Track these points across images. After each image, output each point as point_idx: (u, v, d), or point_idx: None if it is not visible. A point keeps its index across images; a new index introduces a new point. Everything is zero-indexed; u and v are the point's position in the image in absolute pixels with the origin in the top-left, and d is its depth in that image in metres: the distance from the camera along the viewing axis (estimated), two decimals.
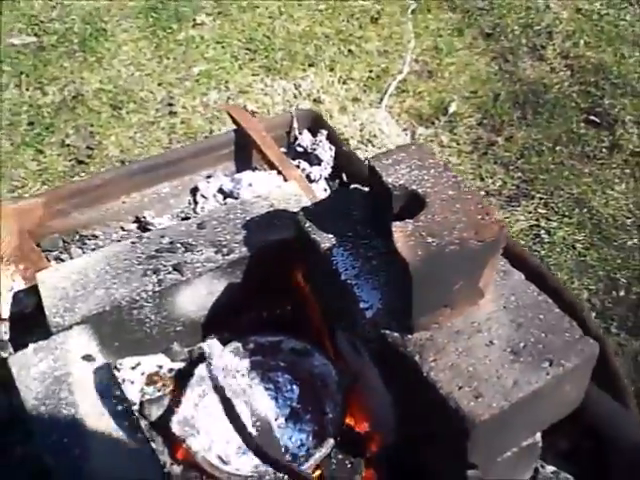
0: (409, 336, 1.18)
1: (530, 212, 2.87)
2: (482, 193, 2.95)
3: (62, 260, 1.89)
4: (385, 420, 1.38)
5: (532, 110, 3.29)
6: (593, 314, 2.48)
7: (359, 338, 1.30)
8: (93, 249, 1.92)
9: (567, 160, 3.06)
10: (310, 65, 3.63)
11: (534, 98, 3.35)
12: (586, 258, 2.68)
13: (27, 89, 3.63)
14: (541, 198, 2.91)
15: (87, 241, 1.94)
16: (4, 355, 1.70)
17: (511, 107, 3.32)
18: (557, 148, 3.10)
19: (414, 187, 1.20)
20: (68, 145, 3.36)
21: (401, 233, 1.10)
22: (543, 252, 2.72)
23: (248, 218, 1.60)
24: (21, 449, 1.55)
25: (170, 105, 3.53)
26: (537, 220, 2.85)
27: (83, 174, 3.22)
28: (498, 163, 3.10)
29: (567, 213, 2.85)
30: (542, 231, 2.79)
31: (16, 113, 3.52)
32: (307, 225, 1.37)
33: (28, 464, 1.50)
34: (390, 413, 1.34)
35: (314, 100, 3.41)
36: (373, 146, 3.16)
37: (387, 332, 1.20)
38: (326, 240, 1.34)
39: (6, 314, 1.74)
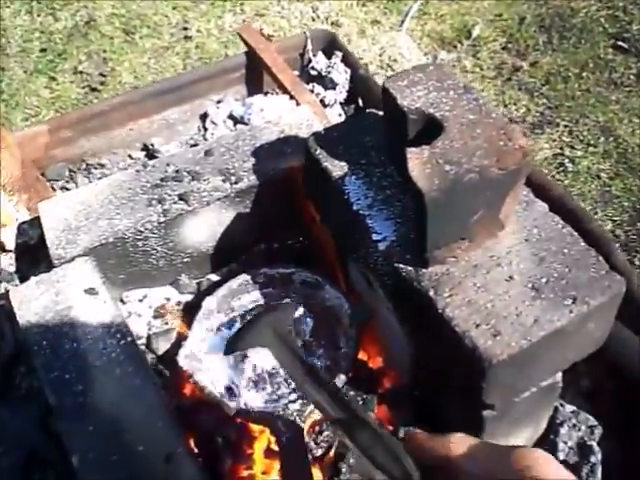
0: (424, 270, 1.11)
1: (554, 140, 2.78)
2: (505, 120, 2.85)
3: (68, 189, 1.83)
4: (399, 357, 1.33)
5: (558, 35, 3.16)
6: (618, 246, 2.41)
7: (372, 271, 1.23)
8: (99, 178, 1.86)
9: (593, 87, 2.95)
10: None
11: (560, 22, 3.21)
12: (611, 188, 2.60)
13: (39, 15, 3.56)
14: (566, 126, 2.82)
15: (93, 170, 1.88)
16: (10, 287, 1.66)
17: (537, 31, 3.20)
18: (583, 74, 2.99)
19: (431, 110, 1.11)
20: (81, 72, 3.30)
21: (417, 160, 1.03)
22: (567, 181, 2.65)
23: (258, 145, 1.52)
24: (26, 383, 1.52)
25: (185, 29, 3.44)
26: (561, 149, 2.77)
27: (96, 101, 3.16)
28: (522, 89, 3.00)
29: (592, 142, 2.76)
30: (566, 160, 2.72)
31: (28, 40, 3.45)
32: (317, 152, 1.29)
33: (33, 398, 1.47)
34: (405, 350, 1.28)
35: (332, 23, 3.31)
36: (393, 71, 3.05)
37: (400, 266, 1.13)
38: (338, 168, 1.27)
39: (11, 245, 1.70)
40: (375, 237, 1.17)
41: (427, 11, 3.36)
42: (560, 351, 1.11)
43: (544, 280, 1.09)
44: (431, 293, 1.09)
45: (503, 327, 1.04)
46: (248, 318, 1.42)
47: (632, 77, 2.97)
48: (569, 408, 1.39)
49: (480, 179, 1.01)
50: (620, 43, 3.10)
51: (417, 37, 3.25)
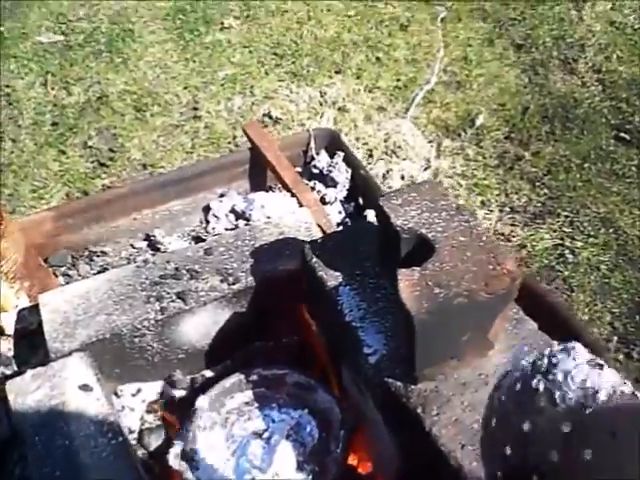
0: (412, 386, 1.13)
1: (555, 230, 2.81)
2: (507, 209, 2.89)
3: (70, 276, 1.86)
4: (389, 464, 1.33)
5: (561, 125, 3.22)
6: (615, 339, 2.42)
7: (363, 381, 1.25)
8: (102, 266, 1.89)
9: (595, 178, 2.99)
10: (337, 72, 3.58)
11: (564, 112, 3.27)
12: (610, 280, 2.62)
13: (52, 88, 3.63)
14: (567, 216, 2.85)
15: (95, 258, 1.91)
16: (7, 372, 1.67)
17: (540, 121, 3.25)
18: (585, 165, 3.03)
19: (424, 231, 1.14)
20: (90, 147, 3.35)
21: (407, 282, 1.05)
22: (567, 272, 2.66)
23: (257, 245, 1.55)
24: (19, 470, 1.52)
25: (195, 109, 3.50)
26: (562, 239, 2.79)
27: (104, 176, 3.21)
28: (524, 179, 3.04)
29: (593, 233, 2.78)
30: (566, 250, 2.73)
31: (40, 112, 3.52)
32: (313, 261, 1.33)
33: None
34: (394, 458, 1.29)
35: (339, 109, 3.37)
36: (397, 157, 3.10)
37: (390, 380, 1.15)
38: (332, 278, 1.30)
39: (10, 330, 1.72)
40: (366, 350, 1.19)
41: (432, 99, 3.43)
42: None
43: None
44: (419, 410, 1.10)
45: None
46: None
47: (634, 168, 3.01)
48: None
49: (469, 302, 1.04)
50: (622, 134, 3.14)
51: (422, 124, 3.31)
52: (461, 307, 1.04)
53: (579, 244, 2.74)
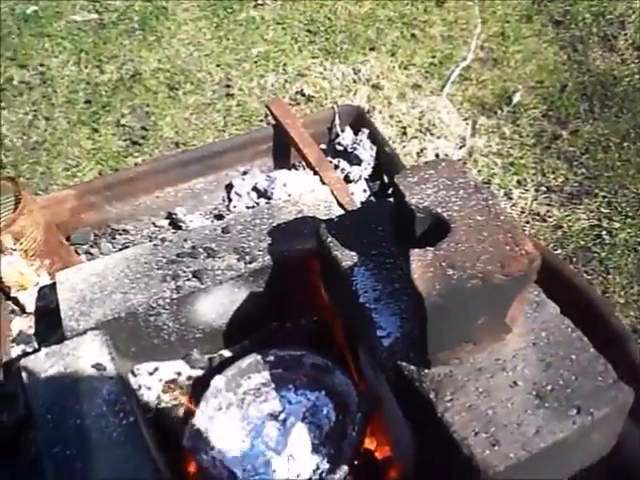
0: (426, 371, 1.09)
1: (592, 211, 2.73)
2: (543, 189, 2.82)
3: (92, 254, 1.85)
4: (405, 448, 1.30)
5: (600, 103, 3.12)
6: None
7: (377, 364, 1.21)
8: (124, 244, 1.88)
9: (634, 157, 2.89)
10: (371, 49, 3.52)
11: (603, 90, 3.17)
12: None
13: (86, 67, 3.62)
14: (604, 197, 2.77)
15: (118, 236, 1.90)
16: (29, 349, 1.68)
17: (578, 99, 3.16)
18: (624, 144, 2.94)
19: (439, 210, 1.10)
20: (123, 125, 3.34)
21: (419, 262, 1.01)
22: (603, 254, 2.59)
23: (275, 224, 1.52)
24: (36, 448, 1.52)
25: (227, 87, 3.47)
26: (599, 220, 2.71)
27: (137, 154, 3.20)
28: (561, 158, 2.96)
29: (631, 214, 2.70)
30: (604, 232, 2.66)
31: (74, 91, 3.52)
32: (329, 240, 1.29)
33: (38, 466, 1.47)
34: (410, 442, 1.25)
35: (373, 86, 3.31)
36: (432, 135, 3.05)
37: (403, 364, 1.11)
38: (348, 258, 1.26)
39: (31, 308, 1.72)
40: (380, 333, 1.16)
41: (468, 76, 3.35)
42: (562, 461, 1.08)
43: (549, 388, 1.06)
44: (432, 395, 1.07)
45: (503, 436, 1.01)
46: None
47: None
48: None
49: (483, 285, 1.00)
50: None
51: (457, 102, 3.24)
52: (476, 289, 1.00)
53: (617, 225, 2.67)
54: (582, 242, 2.64)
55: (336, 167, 1.95)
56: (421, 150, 2.96)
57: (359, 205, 1.78)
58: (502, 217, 1.08)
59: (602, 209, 2.74)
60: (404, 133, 3.05)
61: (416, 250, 1.03)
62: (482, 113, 3.20)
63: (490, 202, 1.11)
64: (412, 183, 1.14)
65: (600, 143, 2.99)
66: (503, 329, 1.10)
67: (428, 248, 1.04)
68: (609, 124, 3.05)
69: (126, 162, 3.15)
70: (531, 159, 2.98)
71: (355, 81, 3.37)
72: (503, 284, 1.01)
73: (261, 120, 3.22)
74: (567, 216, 2.72)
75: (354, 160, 1.96)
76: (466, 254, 1.02)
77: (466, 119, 3.16)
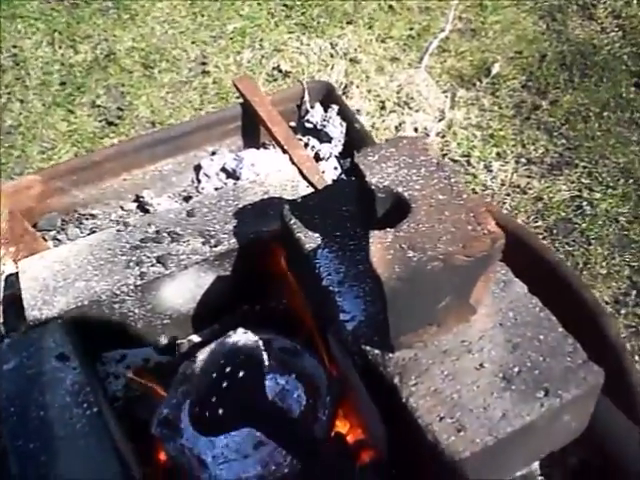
0: (390, 355, 1.07)
1: (573, 182, 2.72)
2: (523, 160, 2.80)
3: (59, 240, 1.82)
4: (377, 431, 1.28)
5: (580, 73, 3.10)
6: (633, 294, 2.34)
7: (344, 348, 1.19)
8: (91, 229, 1.84)
9: (614, 127, 2.88)
10: (348, 23, 3.48)
11: (582, 60, 3.15)
12: (629, 232, 2.54)
13: (60, 47, 3.57)
14: (585, 167, 2.76)
15: (85, 221, 1.86)
16: None
17: (558, 69, 3.13)
18: (604, 114, 2.92)
19: (400, 189, 1.07)
20: (99, 106, 3.31)
21: (379, 245, 0.98)
22: (584, 225, 2.58)
23: (240, 206, 1.49)
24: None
25: (203, 64, 3.43)
26: (579, 190, 2.70)
27: (113, 135, 3.17)
28: (541, 129, 2.94)
29: (612, 184, 2.69)
30: (584, 202, 2.65)
31: (48, 72, 3.47)
32: (292, 222, 1.26)
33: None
34: (380, 427, 1.23)
35: (350, 60, 3.27)
36: (410, 109, 3.02)
37: (367, 348, 1.09)
38: (311, 239, 1.23)
39: None
40: (343, 317, 1.13)
41: (447, 48, 3.31)
42: (531, 444, 1.06)
43: (516, 369, 1.04)
44: (396, 380, 1.04)
45: (469, 421, 0.99)
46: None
47: None
48: None
49: (444, 267, 0.97)
50: None
51: (436, 74, 3.21)
52: (437, 271, 0.97)
53: (597, 195, 2.66)
54: (563, 213, 2.63)
55: (306, 145, 1.91)
56: (400, 124, 2.93)
57: (330, 183, 1.75)
58: (464, 195, 1.05)
59: (583, 180, 2.73)
60: (382, 107, 3.02)
61: (376, 232, 1.00)
62: (461, 85, 3.18)
63: (452, 180, 1.08)
64: (372, 162, 1.11)
65: (580, 113, 2.97)
66: (468, 310, 1.07)
67: (388, 229, 1.00)
68: (589, 94, 3.03)
69: (102, 143, 3.12)
70: (511, 131, 2.96)
71: (332, 55, 3.34)
72: (465, 265, 0.98)
73: (238, 97, 3.17)
74: (548, 187, 2.71)
75: (324, 137, 1.93)
76: (427, 235, 0.99)
77: (445, 91, 3.14)
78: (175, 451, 1.33)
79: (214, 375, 1.38)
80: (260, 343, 1.33)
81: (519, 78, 3.12)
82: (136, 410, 1.46)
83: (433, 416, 1.00)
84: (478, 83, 3.13)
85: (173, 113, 3.24)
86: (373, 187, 1.07)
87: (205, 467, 1.32)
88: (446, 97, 3.07)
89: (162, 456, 1.39)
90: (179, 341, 1.52)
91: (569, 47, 3.21)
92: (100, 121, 3.24)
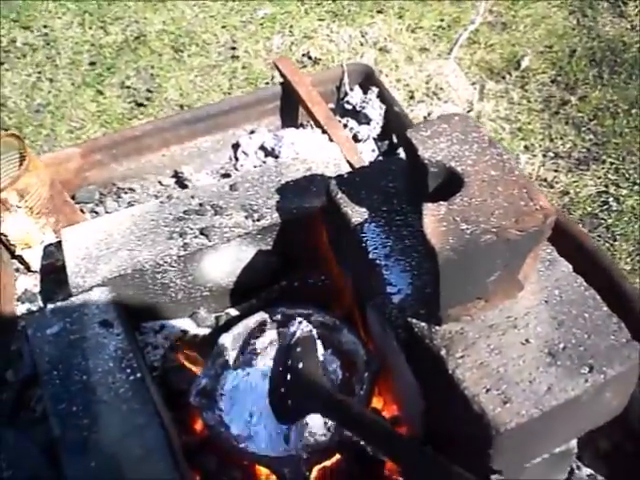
0: (437, 328, 1.08)
1: (599, 177, 2.71)
2: (551, 154, 2.80)
3: (97, 213, 1.84)
4: (413, 407, 1.29)
5: (609, 69, 3.09)
6: None
7: (387, 322, 1.20)
8: (129, 203, 1.86)
9: None
10: (378, 12, 3.47)
11: (612, 56, 3.14)
12: None
13: (90, 28, 3.59)
14: (612, 163, 2.75)
15: (123, 194, 1.88)
16: (33, 308, 1.67)
17: (587, 65, 3.12)
18: (633, 111, 2.91)
19: (453, 164, 1.08)
20: (128, 87, 3.32)
21: (432, 217, 1.00)
22: (610, 220, 2.58)
23: (283, 181, 1.51)
24: (41, 407, 1.52)
25: (233, 49, 3.43)
26: (606, 186, 2.69)
27: (141, 116, 3.18)
28: (569, 124, 2.93)
29: (638, 180, 2.68)
30: (611, 198, 2.64)
31: (78, 52, 3.48)
32: (339, 196, 1.27)
33: (47, 423, 1.47)
34: (418, 401, 1.24)
35: (380, 49, 3.27)
36: (439, 99, 3.01)
37: (414, 321, 1.10)
38: (357, 214, 1.24)
39: (36, 266, 1.71)
40: (390, 289, 1.14)
41: (477, 40, 3.31)
42: (573, 420, 1.07)
43: (561, 346, 1.05)
44: (442, 352, 1.06)
45: (514, 393, 1.00)
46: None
47: None
48: (585, 471, 1.34)
49: (498, 240, 0.98)
50: None
51: (465, 66, 3.21)
52: (489, 245, 0.98)
53: (624, 192, 2.65)
54: (589, 208, 2.63)
55: (345, 126, 1.93)
56: (428, 114, 2.93)
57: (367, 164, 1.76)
58: (516, 172, 1.06)
59: (609, 176, 2.72)
60: (411, 97, 3.02)
61: (429, 204, 1.01)
62: (490, 77, 3.17)
63: (504, 157, 1.09)
64: (425, 137, 1.12)
65: (608, 109, 2.96)
66: (516, 286, 1.09)
67: (441, 202, 1.02)
68: (618, 90, 3.01)
69: (130, 124, 3.13)
70: (539, 124, 2.95)
71: (362, 44, 3.33)
72: (517, 239, 0.99)
73: (267, 82, 3.19)
74: (574, 182, 2.70)
75: (363, 119, 1.94)
76: (480, 209, 1.01)
77: (474, 83, 3.13)
78: (212, 420, 1.35)
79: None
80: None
81: (548, 72, 3.11)
82: (171, 380, 1.48)
83: (479, 388, 1.01)
84: (507, 76, 3.12)
85: (201, 96, 3.24)
86: (426, 161, 1.09)
87: (240, 437, 1.34)
88: (475, 89, 3.07)
89: (198, 425, 1.41)
90: (217, 314, 1.54)
91: (599, 43, 3.20)
92: (129, 102, 3.25)
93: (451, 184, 1.07)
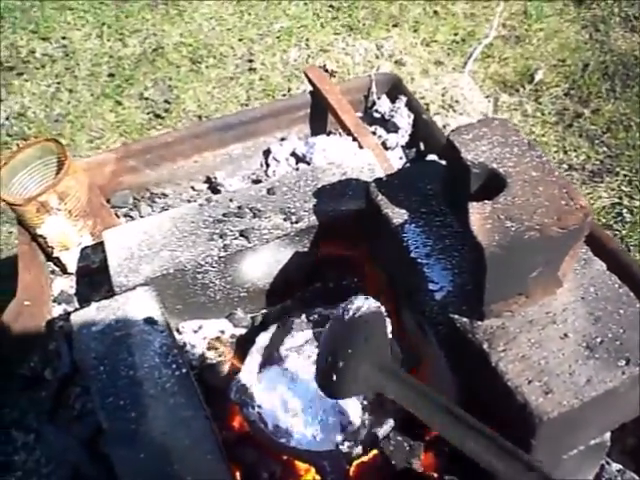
0: (479, 323, 1.12)
1: (613, 189, 2.76)
2: (565, 167, 2.85)
3: (131, 217, 1.88)
4: None
5: (621, 83, 3.15)
6: None
7: (426, 319, 1.24)
8: (163, 207, 1.90)
9: None
10: (394, 25, 3.54)
11: (624, 70, 3.20)
12: None
13: (108, 40, 3.65)
14: (625, 175, 2.80)
15: (157, 199, 1.92)
16: (69, 309, 1.71)
17: (600, 78, 3.18)
18: None
19: (495, 166, 1.13)
20: (146, 98, 3.37)
21: (478, 215, 1.04)
22: (624, 232, 2.62)
23: (319, 186, 1.55)
24: (79, 404, 1.56)
25: (250, 61, 3.50)
26: (620, 198, 2.74)
27: (160, 127, 3.23)
28: (583, 136, 2.99)
29: None
30: (624, 210, 2.69)
31: (97, 64, 3.54)
32: (379, 198, 1.32)
33: (86, 419, 1.51)
34: (454, 398, 1.28)
35: (395, 62, 3.33)
36: (454, 112, 3.06)
37: (456, 317, 1.14)
38: (398, 215, 1.29)
39: (72, 268, 1.74)
40: (432, 287, 1.19)
41: (491, 54, 3.38)
42: (611, 411, 1.11)
43: (598, 340, 1.09)
44: (485, 346, 1.10)
45: (555, 385, 1.04)
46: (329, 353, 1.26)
47: None
48: (615, 466, 1.37)
49: (540, 237, 1.03)
50: None
51: (479, 79, 3.27)
52: (532, 242, 1.03)
53: (637, 203, 2.70)
54: (603, 220, 2.67)
55: (373, 134, 1.97)
56: (444, 126, 2.96)
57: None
58: (556, 173, 1.11)
59: (623, 187, 2.77)
60: (427, 109, 3.06)
61: (474, 203, 1.06)
62: (504, 90, 3.23)
63: (544, 159, 1.14)
64: (467, 140, 1.17)
65: (621, 122, 3.01)
66: (555, 283, 1.13)
67: (486, 201, 1.07)
68: (630, 104, 3.07)
69: (149, 134, 3.19)
70: (553, 137, 3.00)
71: (378, 57, 3.40)
72: (559, 237, 1.04)
73: (284, 94, 3.25)
74: (588, 194, 2.75)
75: (391, 128, 1.99)
76: (523, 207, 1.05)
77: (488, 96, 3.19)
78: (252, 416, 1.38)
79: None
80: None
81: (562, 86, 3.18)
82: (207, 378, 1.52)
83: (522, 379, 1.05)
84: (521, 89, 3.18)
85: (219, 108, 3.30)
86: (469, 163, 1.13)
87: (282, 432, 1.38)
88: (489, 102, 3.13)
89: (237, 422, 1.44)
90: (253, 314, 1.58)
91: (611, 57, 3.27)
92: (147, 113, 3.31)
93: (493, 185, 1.11)
